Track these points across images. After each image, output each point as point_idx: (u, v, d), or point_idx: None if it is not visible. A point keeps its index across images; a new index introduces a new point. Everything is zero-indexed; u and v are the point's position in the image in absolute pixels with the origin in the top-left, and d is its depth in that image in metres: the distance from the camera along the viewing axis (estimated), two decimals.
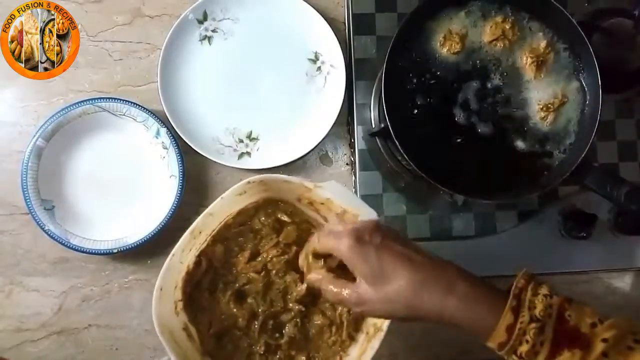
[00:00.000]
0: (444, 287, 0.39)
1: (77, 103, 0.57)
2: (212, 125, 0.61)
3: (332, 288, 0.43)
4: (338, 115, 0.60)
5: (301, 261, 0.47)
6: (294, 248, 0.51)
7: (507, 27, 0.53)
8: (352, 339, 0.51)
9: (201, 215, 0.47)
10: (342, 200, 0.47)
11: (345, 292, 0.42)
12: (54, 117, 0.56)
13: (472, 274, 0.41)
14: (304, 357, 0.50)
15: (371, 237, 0.41)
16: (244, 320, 0.50)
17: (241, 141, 0.61)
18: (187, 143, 0.59)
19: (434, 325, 0.42)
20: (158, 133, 0.58)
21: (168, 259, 0.47)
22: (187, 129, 0.59)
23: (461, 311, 0.39)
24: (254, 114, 0.61)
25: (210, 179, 0.62)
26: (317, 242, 0.44)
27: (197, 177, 0.61)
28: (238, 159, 0.61)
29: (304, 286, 0.50)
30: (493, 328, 0.38)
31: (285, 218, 0.52)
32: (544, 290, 0.39)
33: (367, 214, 0.47)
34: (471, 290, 0.39)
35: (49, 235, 0.56)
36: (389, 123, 0.50)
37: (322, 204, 0.50)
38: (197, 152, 0.59)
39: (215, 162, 0.60)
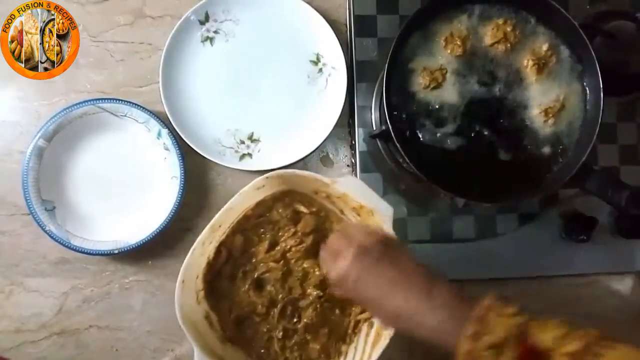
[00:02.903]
0: (415, 322, 0.41)
1: (79, 104, 0.57)
2: (214, 127, 0.61)
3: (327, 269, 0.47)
4: (339, 117, 0.60)
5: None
6: (312, 236, 0.53)
7: (509, 29, 0.53)
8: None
9: (221, 210, 0.49)
10: (358, 195, 0.49)
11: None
12: (55, 118, 0.56)
13: (449, 293, 0.41)
14: (317, 344, 0.52)
15: (352, 272, 0.43)
16: (263, 307, 0.52)
17: (242, 142, 0.61)
18: (188, 144, 0.59)
19: None
20: (159, 134, 0.58)
21: (189, 253, 0.48)
22: (189, 130, 0.59)
23: (431, 338, 0.40)
24: (255, 115, 0.61)
25: (212, 180, 0.62)
26: (324, 249, 0.48)
27: (198, 178, 0.61)
28: (239, 160, 0.61)
29: (322, 271, 0.52)
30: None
31: (302, 209, 0.53)
32: (509, 309, 0.38)
33: (383, 210, 0.48)
34: (442, 322, 0.40)
35: (49, 235, 0.56)
36: (389, 125, 0.50)
37: (339, 197, 0.51)
38: (198, 153, 0.59)
39: (216, 163, 0.60)
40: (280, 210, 0.54)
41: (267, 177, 0.49)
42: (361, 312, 0.52)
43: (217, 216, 0.49)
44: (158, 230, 0.57)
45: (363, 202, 0.49)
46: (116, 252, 0.56)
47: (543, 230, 0.62)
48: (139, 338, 0.59)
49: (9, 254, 0.59)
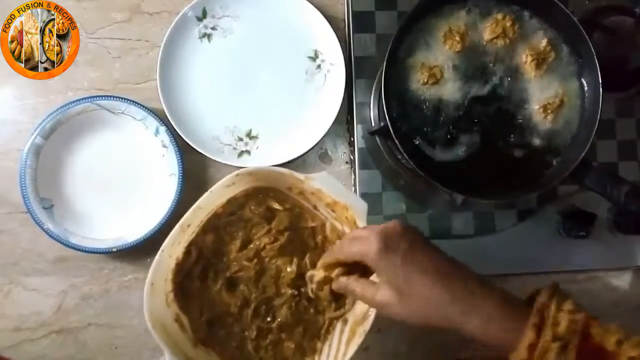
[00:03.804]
0: (467, 309, 0.38)
1: (76, 101, 0.57)
2: (212, 124, 0.61)
3: (360, 290, 0.43)
4: (338, 114, 0.60)
5: (316, 273, 0.48)
6: (287, 233, 0.52)
7: (508, 24, 0.53)
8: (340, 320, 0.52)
9: (190, 209, 0.48)
10: (332, 191, 0.49)
11: (370, 293, 0.42)
12: (53, 115, 0.56)
13: (494, 287, 0.40)
14: (292, 343, 0.51)
15: (399, 243, 0.40)
16: (235, 307, 0.51)
17: (241, 139, 0.61)
18: (186, 141, 0.58)
19: None
20: (157, 131, 0.58)
21: (158, 254, 0.48)
22: (187, 127, 0.59)
23: (482, 333, 0.38)
24: (254, 112, 0.61)
25: (210, 177, 0.61)
26: (340, 250, 0.44)
27: (196, 176, 0.61)
28: (238, 157, 0.60)
29: (294, 268, 0.51)
30: (514, 347, 0.37)
31: (276, 206, 0.52)
32: (568, 305, 0.37)
33: (357, 205, 0.48)
34: (494, 311, 0.38)
35: (47, 234, 0.55)
36: (388, 122, 0.50)
37: (313, 194, 0.50)
38: (196, 150, 0.59)
39: (215, 160, 0.59)
40: (252, 208, 0.52)
41: (237, 175, 0.48)
42: (335, 310, 0.51)
43: (186, 215, 0.48)
44: (156, 228, 0.57)
45: (337, 198, 0.49)
46: (115, 250, 0.56)
47: (542, 226, 0.62)
48: (138, 336, 0.59)
49: (7, 253, 0.59)
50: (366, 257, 0.41)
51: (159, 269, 0.48)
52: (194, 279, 0.51)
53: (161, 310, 0.49)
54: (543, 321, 0.37)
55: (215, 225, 0.52)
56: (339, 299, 0.51)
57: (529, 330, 0.36)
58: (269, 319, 0.52)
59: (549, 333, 0.36)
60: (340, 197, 0.49)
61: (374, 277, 0.43)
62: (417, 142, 0.52)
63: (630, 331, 0.37)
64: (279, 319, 0.51)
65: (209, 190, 0.48)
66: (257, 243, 0.52)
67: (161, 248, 0.48)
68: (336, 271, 0.46)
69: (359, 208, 0.48)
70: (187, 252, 0.50)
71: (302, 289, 0.52)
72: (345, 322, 0.51)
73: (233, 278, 0.52)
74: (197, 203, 0.48)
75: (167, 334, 0.48)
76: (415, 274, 0.39)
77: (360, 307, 0.50)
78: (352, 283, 0.44)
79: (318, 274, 0.47)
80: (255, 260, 0.52)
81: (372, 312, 0.46)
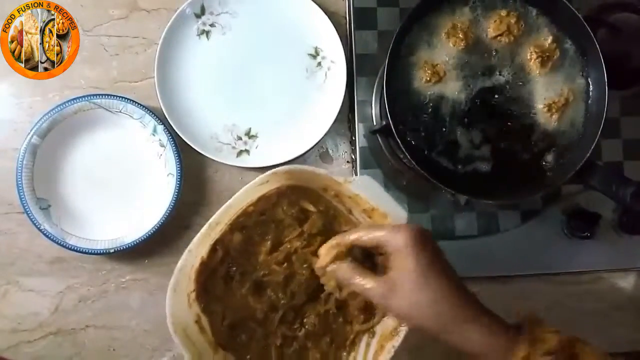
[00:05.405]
0: (476, 315, 0.41)
1: (73, 100, 0.56)
2: (210, 122, 0.60)
3: (360, 278, 0.43)
4: (338, 112, 0.59)
5: (325, 251, 0.46)
6: (319, 238, 0.49)
7: (512, 21, 0.52)
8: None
9: (221, 208, 0.46)
10: (372, 197, 0.46)
11: (373, 283, 0.42)
12: (49, 114, 0.55)
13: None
14: (318, 352, 0.50)
15: (428, 242, 0.42)
16: (261, 312, 0.49)
17: (240, 138, 0.60)
18: (184, 140, 0.58)
19: None
20: (155, 130, 0.57)
21: (184, 255, 0.46)
22: (185, 126, 0.58)
23: (483, 341, 0.40)
24: (253, 110, 0.60)
25: (209, 177, 0.61)
26: (364, 233, 0.44)
27: (195, 175, 0.60)
28: (237, 156, 0.60)
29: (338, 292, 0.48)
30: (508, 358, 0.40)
31: (310, 207, 0.50)
32: (552, 327, 0.41)
33: (397, 213, 0.46)
34: (493, 322, 0.41)
35: (45, 234, 0.55)
36: (390, 120, 0.49)
37: (350, 197, 0.48)
38: (195, 149, 0.58)
39: (213, 160, 0.59)
40: (285, 208, 0.49)
41: (274, 173, 0.46)
42: (364, 321, 0.49)
43: (216, 215, 0.46)
44: (155, 229, 0.56)
45: (376, 204, 0.46)
46: (112, 250, 0.56)
47: (546, 227, 0.61)
48: (137, 337, 0.59)
49: (4, 253, 0.58)
50: (393, 241, 0.42)
51: (183, 269, 0.46)
52: (218, 279, 0.49)
53: (183, 312, 0.46)
54: (534, 337, 0.40)
55: (245, 224, 0.49)
56: (369, 308, 0.49)
57: (523, 344, 0.39)
58: (296, 326, 0.49)
59: (542, 347, 0.39)
60: (380, 204, 0.46)
61: None
62: (419, 141, 0.51)
63: (606, 353, 0.40)
64: (307, 327, 0.49)
65: (244, 189, 0.46)
66: (288, 246, 0.49)
67: (187, 249, 0.46)
68: (334, 252, 0.45)
69: (399, 217, 0.46)
70: (213, 249, 0.48)
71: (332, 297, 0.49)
72: (372, 334, 0.49)
73: (260, 281, 0.49)
74: (228, 202, 0.46)
75: (188, 338, 0.46)
76: (444, 267, 0.42)
77: (390, 322, 0.48)
78: (356, 267, 0.44)
79: (323, 256, 0.46)
80: (285, 265, 0.49)
81: (404, 328, 0.45)
